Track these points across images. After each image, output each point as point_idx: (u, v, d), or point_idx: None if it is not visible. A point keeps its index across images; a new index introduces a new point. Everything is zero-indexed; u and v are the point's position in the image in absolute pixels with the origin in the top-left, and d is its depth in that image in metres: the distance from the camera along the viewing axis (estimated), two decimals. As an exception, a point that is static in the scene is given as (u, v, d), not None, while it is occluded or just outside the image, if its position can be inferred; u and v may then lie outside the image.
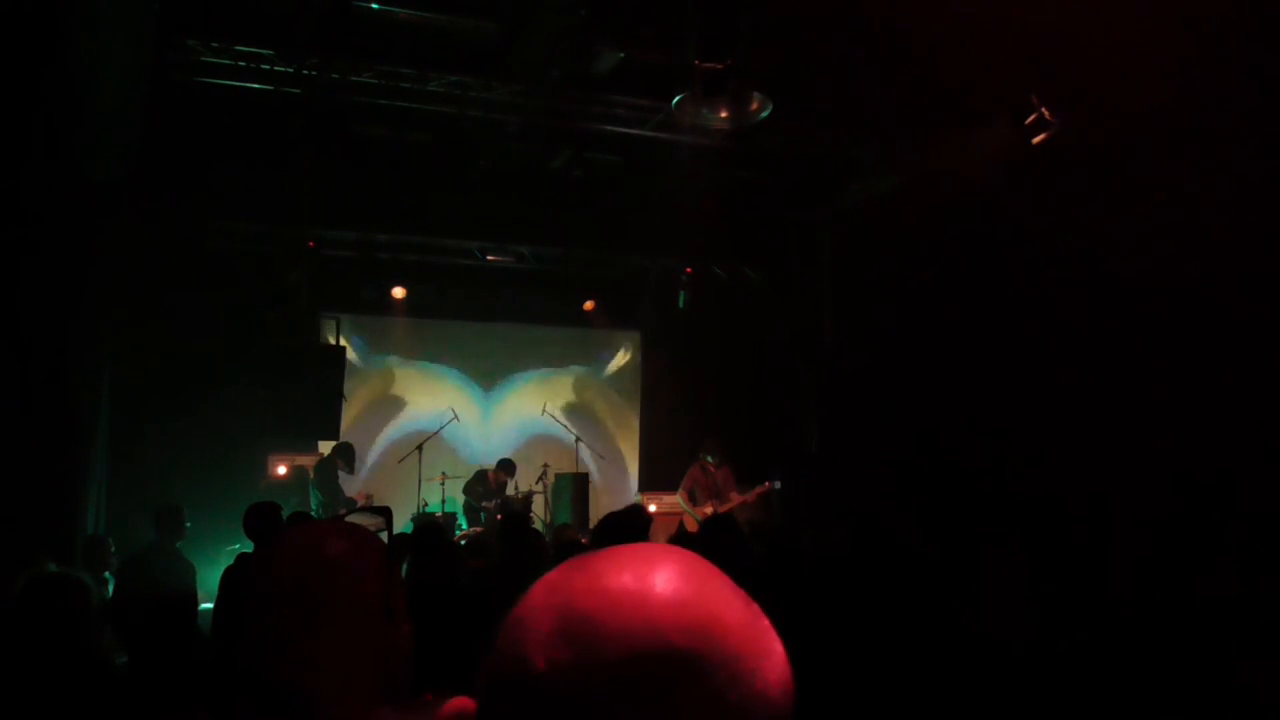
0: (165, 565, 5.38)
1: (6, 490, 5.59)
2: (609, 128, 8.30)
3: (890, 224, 9.07)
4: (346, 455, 9.40)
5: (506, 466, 9.99)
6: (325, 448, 9.59)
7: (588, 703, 0.63)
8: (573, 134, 8.59)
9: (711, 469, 9.00)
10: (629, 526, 4.42)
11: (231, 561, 5.69)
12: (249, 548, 5.91)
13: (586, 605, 0.67)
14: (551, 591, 0.69)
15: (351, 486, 9.59)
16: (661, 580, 0.68)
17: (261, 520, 5.31)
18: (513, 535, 5.27)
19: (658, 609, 0.66)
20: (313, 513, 8.31)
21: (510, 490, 9.97)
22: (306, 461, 9.48)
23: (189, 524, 6.35)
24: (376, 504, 9.30)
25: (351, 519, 1.36)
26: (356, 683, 1.21)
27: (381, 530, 1.44)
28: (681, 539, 6.06)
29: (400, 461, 9.87)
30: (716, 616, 0.67)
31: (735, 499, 8.82)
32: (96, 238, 7.15)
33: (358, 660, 1.22)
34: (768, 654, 0.69)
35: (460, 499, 9.91)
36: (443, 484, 9.77)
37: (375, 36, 7.11)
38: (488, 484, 9.93)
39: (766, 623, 0.71)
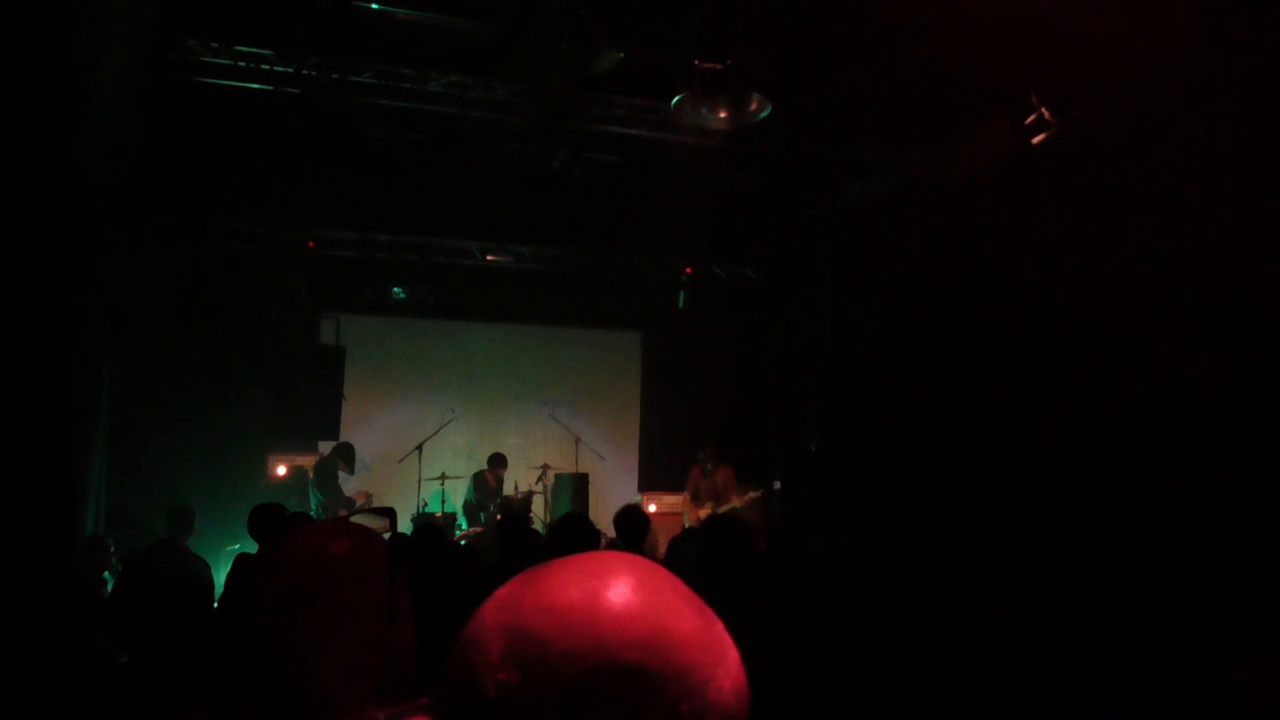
0: (176, 562, 5.37)
1: (6, 490, 5.58)
2: (609, 128, 8.29)
3: (890, 224, 9.07)
4: (347, 455, 9.40)
5: (499, 461, 9.96)
6: (325, 448, 9.59)
7: None
8: (573, 134, 8.58)
9: (707, 473, 9.10)
10: (587, 535, 4.45)
11: (231, 562, 5.69)
12: (249, 548, 5.91)
13: (535, 625, 0.66)
14: (500, 611, 0.69)
15: (351, 487, 9.59)
16: (610, 594, 0.68)
17: (266, 521, 5.31)
18: (512, 535, 5.27)
19: (606, 625, 0.66)
20: (312, 513, 8.31)
21: (509, 488, 9.97)
22: (306, 461, 9.48)
23: (195, 520, 6.37)
24: (376, 503, 9.31)
25: (356, 520, 1.36)
26: (358, 683, 1.21)
27: (386, 532, 1.44)
28: (682, 539, 6.06)
29: (400, 461, 9.87)
30: (667, 629, 0.67)
31: (733, 500, 8.89)
32: (96, 238, 7.15)
33: (360, 661, 1.22)
34: (721, 662, 0.68)
35: (460, 499, 9.92)
36: (443, 484, 9.77)
37: (375, 36, 7.10)
38: (487, 485, 9.93)
39: (720, 628, 0.71)
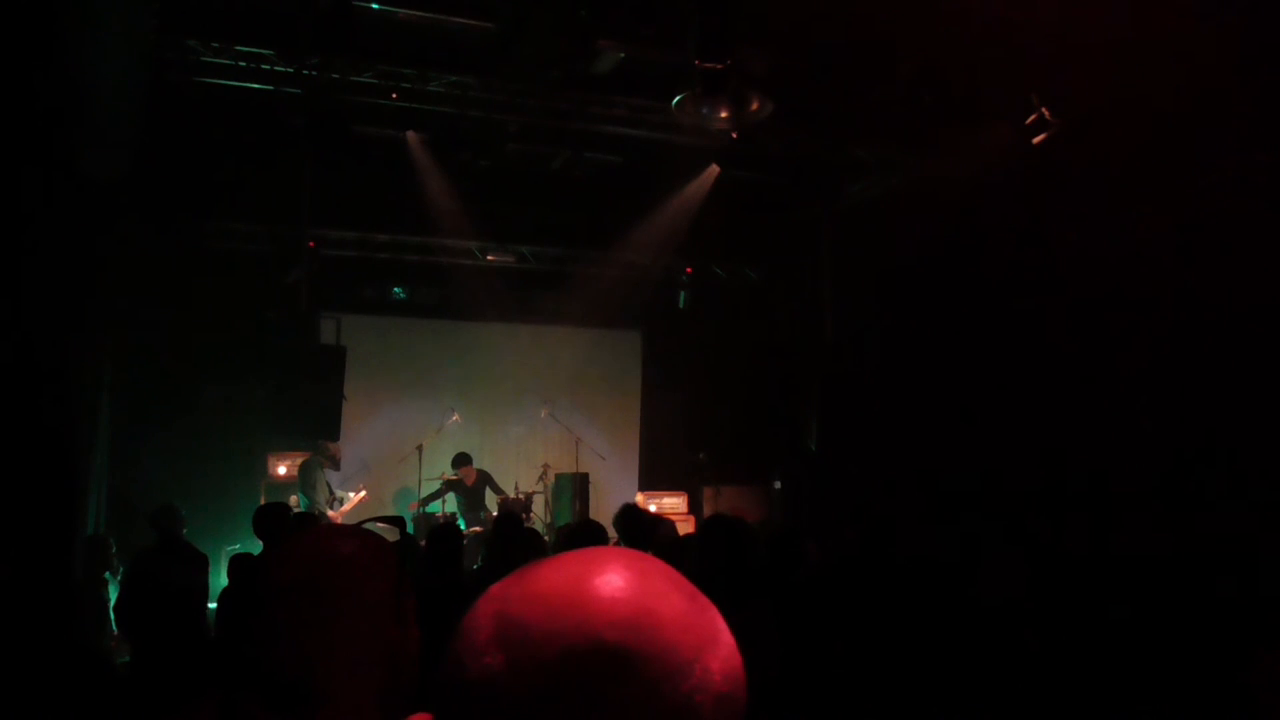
0: (177, 558, 5.35)
1: (7, 490, 5.59)
2: (609, 128, 8.30)
3: (890, 224, 9.07)
4: (330, 454, 9.35)
5: (464, 459, 9.73)
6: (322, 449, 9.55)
7: (524, 705, 0.64)
8: (573, 134, 8.59)
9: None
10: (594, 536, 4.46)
11: (230, 562, 5.68)
12: (250, 547, 5.91)
13: (520, 611, 0.68)
14: (491, 600, 0.71)
15: (350, 486, 9.54)
16: (595, 580, 0.68)
17: (271, 521, 5.31)
18: (504, 536, 5.23)
19: (587, 607, 0.66)
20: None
21: (510, 488, 9.93)
22: (307, 461, 9.45)
23: (184, 514, 6.36)
24: (374, 501, 9.32)
25: (366, 527, 1.37)
26: (361, 683, 1.21)
27: (397, 540, 1.44)
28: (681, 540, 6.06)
29: (400, 462, 9.85)
30: (649, 610, 0.67)
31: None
32: (96, 237, 7.15)
33: (364, 660, 1.22)
34: (710, 645, 0.69)
35: (460, 500, 9.89)
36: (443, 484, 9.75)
37: (375, 36, 7.11)
38: (467, 488, 9.80)
39: (714, 614, 0.71)
